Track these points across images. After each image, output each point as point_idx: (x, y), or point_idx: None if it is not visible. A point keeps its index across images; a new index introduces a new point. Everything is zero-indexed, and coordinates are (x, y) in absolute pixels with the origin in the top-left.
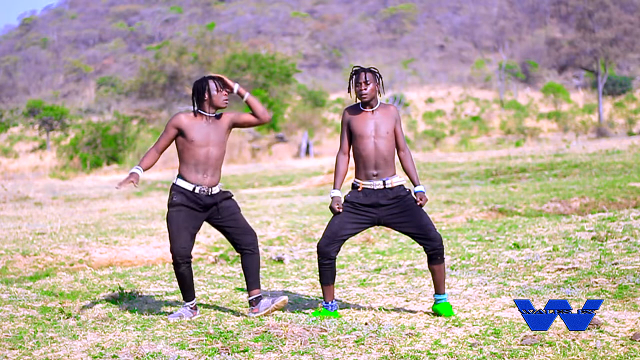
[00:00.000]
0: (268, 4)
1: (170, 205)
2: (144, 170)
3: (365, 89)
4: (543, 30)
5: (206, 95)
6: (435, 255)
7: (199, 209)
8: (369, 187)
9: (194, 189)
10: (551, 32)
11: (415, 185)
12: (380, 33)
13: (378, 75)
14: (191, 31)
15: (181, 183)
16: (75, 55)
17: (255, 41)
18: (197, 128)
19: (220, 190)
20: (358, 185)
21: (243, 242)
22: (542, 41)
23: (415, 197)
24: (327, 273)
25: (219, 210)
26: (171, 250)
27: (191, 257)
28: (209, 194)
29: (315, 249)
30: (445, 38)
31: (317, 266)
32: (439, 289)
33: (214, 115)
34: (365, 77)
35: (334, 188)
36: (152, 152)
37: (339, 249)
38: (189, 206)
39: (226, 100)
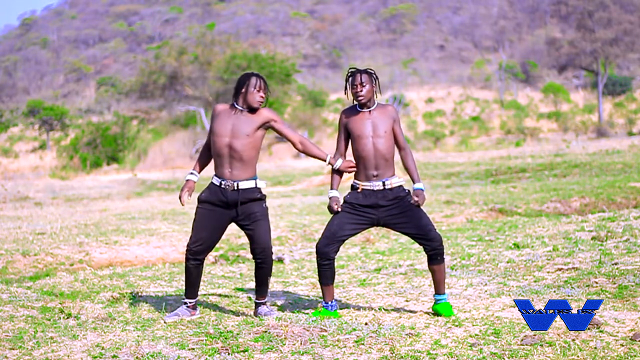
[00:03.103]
0: (268, 4)
1: (197, 200)
2: (199, 172)
3: (362, 91)
4: (543, 30)
5: (243, 89)
6: (435, 256)
7: (223, 206)
8: (368, 188)
9: (220, 184)
10: (551, 32)
11: (414, 183)
12: (380, 33)
13: (374, 76)
14: (191, 31)
15: (214, 179)
16: (75, 55)
17: (255, 41)
18: (223, 118)
19: (252, 188)
20: (357, 186)
21: (255, 251)
22: (542, 41)
23: (413, 196)
24: (326, 273)
25: (237, 211)
26: (187, 243)
27: (202, 256)
28: (235, 188)
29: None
30: (445, 38)
31: (317, 266)
32: (439, 289)
33: (246, 109)
34: (361, 79)
35: (331, 188)
36: (204, 149)
37: (338, 249)
38: (213, 203)
39: (261, 101)
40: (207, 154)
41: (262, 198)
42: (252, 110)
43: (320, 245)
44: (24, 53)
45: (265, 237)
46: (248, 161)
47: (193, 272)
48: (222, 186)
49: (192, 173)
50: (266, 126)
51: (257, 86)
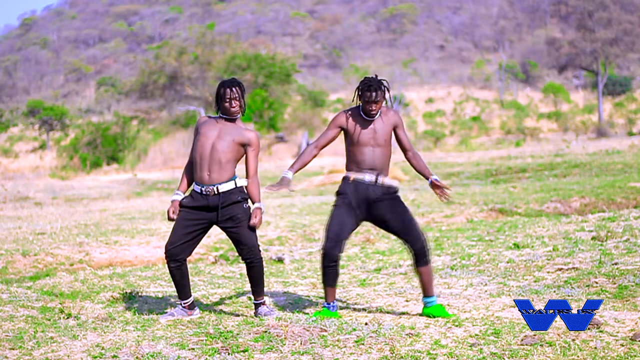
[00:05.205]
0: (268, 4)
1: (179, 205)
2: (184, 191)
3: (375, 109)
4: (543, 30)
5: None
6: (421, 256)
7: (204, 209)
8: (360, 179)
9: (202, 190)
10: (551, 32)
11: (428, 178)
12: (380, 33)
13: (387, 89)
14: (191, 31)
15: (194, 187)
16: (75, 55)
17: (255, 41)
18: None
19: (233, 189)
20: (349, 177)
21: (242, 252)
22: (542, 41)
23: (431, 186)
24: (331, 275)
25: (218, 215)
26: (164, 245)
27: (180, 258)
28: (216, 192)
29: (317, 249)
30: (445, 38)
31: (317, 266)
32: (428, 291)
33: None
34: (376, 97)
35: (289, 169)
36: (187, 166)
37: (343, 249)
38: (194, 207)
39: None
40: (190, 171)
41: (242, 200)
42: (230, 119)
43: (327, 247)
44: (24, 53)
45: (251, 236)
46: (227, 165)
47: (176, 274)
48: (205, 192)
49: (177, 193)
50: (239, 143)
51: (230, 95)
